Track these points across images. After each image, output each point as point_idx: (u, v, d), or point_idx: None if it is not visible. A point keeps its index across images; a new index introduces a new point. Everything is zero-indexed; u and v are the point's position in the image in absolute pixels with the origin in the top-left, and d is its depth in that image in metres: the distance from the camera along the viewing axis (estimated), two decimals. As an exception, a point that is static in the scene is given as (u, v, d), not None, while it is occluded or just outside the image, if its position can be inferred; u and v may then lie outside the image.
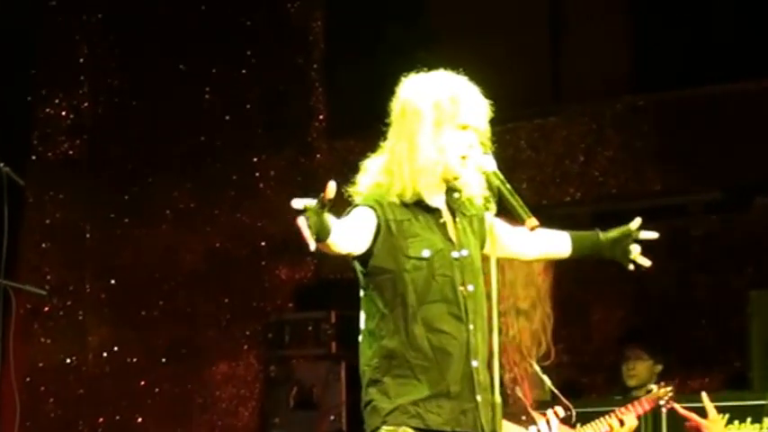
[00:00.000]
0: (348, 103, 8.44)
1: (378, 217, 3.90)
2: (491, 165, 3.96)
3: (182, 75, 8.49)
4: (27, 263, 8.08)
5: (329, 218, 3.61)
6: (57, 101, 8.34)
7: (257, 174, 8.65)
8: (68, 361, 8.23)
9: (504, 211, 3.98)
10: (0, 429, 7.07)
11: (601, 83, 8.11)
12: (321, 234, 3.58)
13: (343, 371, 7.87)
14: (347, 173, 4.07)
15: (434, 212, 4.00)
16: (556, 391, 4.93)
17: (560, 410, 4.87)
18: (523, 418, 4.80)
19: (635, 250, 4.28)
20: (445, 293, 3.91)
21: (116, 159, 8.47)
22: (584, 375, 7.87)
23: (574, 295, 7.54)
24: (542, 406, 4.94)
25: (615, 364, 7.28)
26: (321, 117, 8.84)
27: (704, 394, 5.14)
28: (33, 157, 8.25)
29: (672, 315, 7.83)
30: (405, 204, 3.94)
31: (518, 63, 8.10)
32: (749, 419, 6.05)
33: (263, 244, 8.57)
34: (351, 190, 4.01)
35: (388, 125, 4.04)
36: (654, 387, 5.55)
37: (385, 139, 4.04)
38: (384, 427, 3.90)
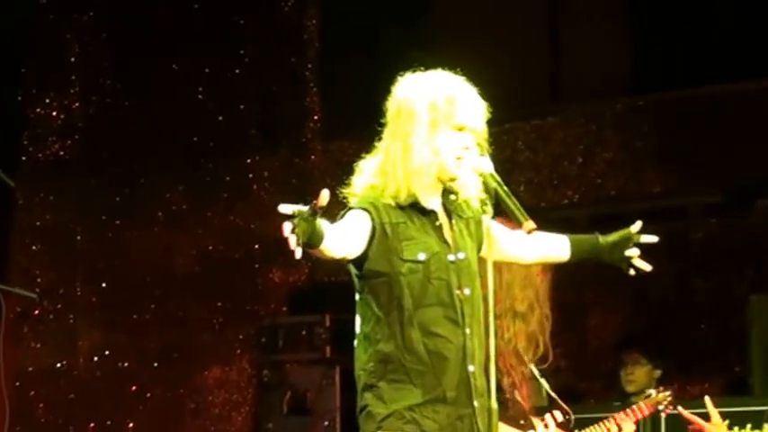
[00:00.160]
0: (343, 104, 8.45)
1: (372, 220, 3.88)
2: (488, 166, 3.94)
3: (175, 74, 8.47)
4: (17, 265, 8.06)
5: (322, 223, 3.59)
6: (47, 100, 8.31)
7: (251, 175, 8.66)
8: (59, 365, 8.20)
9: (502, 214, 3.97)
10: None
11: (600, 83, 8.15)
12: (313, 240, 3.56)
13: (338, 375, 7.85)
14: (342, 174, 4.06)
15: (430, 215, 3.98)
16: (554, 395, 4.92)
17: (558, 415, 4.87)
18: (522, 422, 4.79)
19: (635, 254, 4.26)
20: (441, 297, 3.89)
21: (108, 160, 8.44)
22: (582, 381, 7.86)
23: (571, 299, 7.51)
24: (540, 412, 4.93)
25: (613, 370, 7.28)
26: (316, 117, 8.88)
27: (707, 398, 5.13)
28: (23, 158, 8.22)
29: (671, 319, 7.84)
30: (400, 206, 3.93)
31: (516, 62, 8.11)
32: (749, 425, 6.07)
33: (256, 246, 8.56)
34: (345, 191, 4.00)
35: (383, 126, 4.02)
36: (652, 392, 5.54)
37: (380, 139, 4.03)
38: (379, 433, 3.86)
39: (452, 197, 4.01)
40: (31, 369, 8.09)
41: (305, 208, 3.51)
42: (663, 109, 7.89)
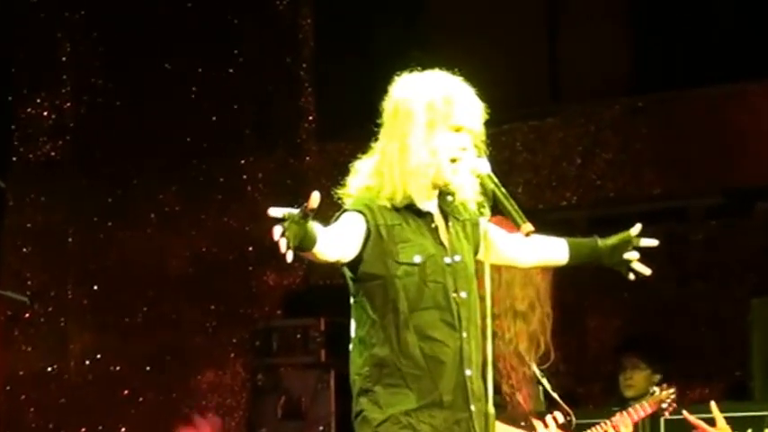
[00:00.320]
0: (338, 104, 8.45)
1: (367, 222, 3.86)
2: (485, 167, 3.92)
3: (167, 74, 8.49)
4: (7, 268, 8.07)
5: (314, 226, 3.58)
6: (38, 100, 8.32)
7: (245, 176, 8.65)
8: (50, 369, 8.21)
9: (499, 212, 3.97)
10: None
11: (599, 83, 8.13)
12: (306, 243, 3.55)
13: (333, 380, 7.83)
14: (337, 175, 4.04)
15: (426, 216, 3.96)
16: (555, 395, 4.89)
17: (559, 416, 4.85)
18: (523, 423, 4.77)
19: (634, 257, 4.25)
20: (437, 300, 3.87)
21: (99, 161, 8.44)
22: (581, 385, 7.85)
23: (569, 302, 7.48)
24: (538, 416, 4.89)
25: (612, 374, 7.24)
26: (311, 118, 8.85)
27: (713, 404, 5.09)
28: (14, 159, 8.24)
29: (671, 323, 7.81)
30: (395, 208, 3.91)
31: (514, 62, 8.11)
32: (750, 430, 6.01)
33: (250, 249, 8.55)
34: (340, 192, 3.98)
35: (379, 126, 4.00)
36: (656, 389, 5.55)
37: (376, 140, 4.01)
38: (375, 438, 3.86)
39: (449, 199, 3.98)
40: (21, 373, 8.10)
41: (295, 211, 3.50)
42: (663, 109, 7.89)
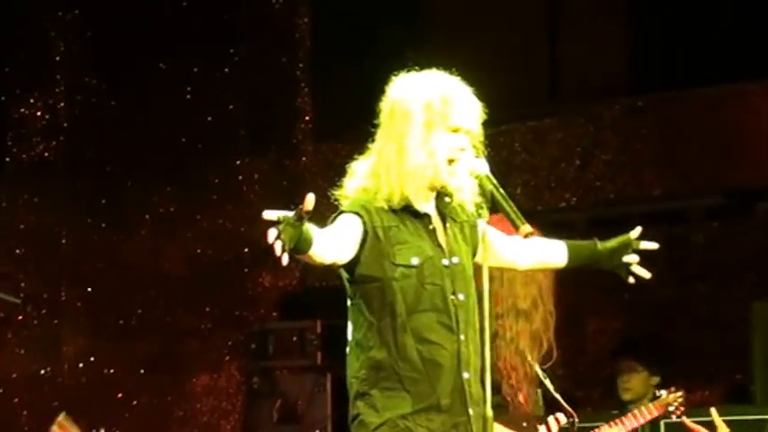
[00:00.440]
0: (335, 104, 8.44)
1: (364, 223, 3.85)
2: (484, 168, 3.90)
3: (162, 74, 8.49)
4: (0, 269, 8.05)
5: (310, 228, 3.56)
6: (32, 100, 8.31)
7: (240, 177, 8.63)
8: (43, 372, 8.19)
9: (497, 212, 3.95)
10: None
11: (599, 83, 8.16)
12: (301, 246, 3.54)
13: (329, 383, 7.82)
14: (334, 176, 4.02)
15: (423, 218, 3.95)
16: (558, 396, 4.87)
17: (562, 417, 4.83)
18: (524, 424, 4.75)
19: (634, 260, 4.24)
20: (435, 303, 3.86)
21: (93, 162, 8.43)
22: (580, 389, 7.83)
23: (569, 304, 7.42)
24: (539, 420, 4.88)
25: (611, 377, 7.23)
26: (307, 118, 8.87)
27: (713, 410, 5.15)
28: (7, 159, 8.23)
29: (670, 326, 7.80)
30: (392, 210, 3.90)
31: (512, 62, 8.13)
32: None
33: (246, 250, 8.54)
34: (337, 194, 3.97)
35: (376, 127, 3.98)
36: (663, 392, 5.58)
37: (373, 141, 3.99)
38: (372, 442, 3.85)
39: (447, 200, 3.97)
40: (14, 376, 8.07)
41: (290, 213, 3.48)
42: (662, 110, 7.91)
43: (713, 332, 7.67)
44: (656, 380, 6.94)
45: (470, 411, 3.84)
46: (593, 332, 8.04)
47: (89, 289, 8.33)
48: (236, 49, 8.62)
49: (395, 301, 3.81)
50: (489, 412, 3.74)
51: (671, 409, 5.48)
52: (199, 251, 8.53)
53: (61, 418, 5.99)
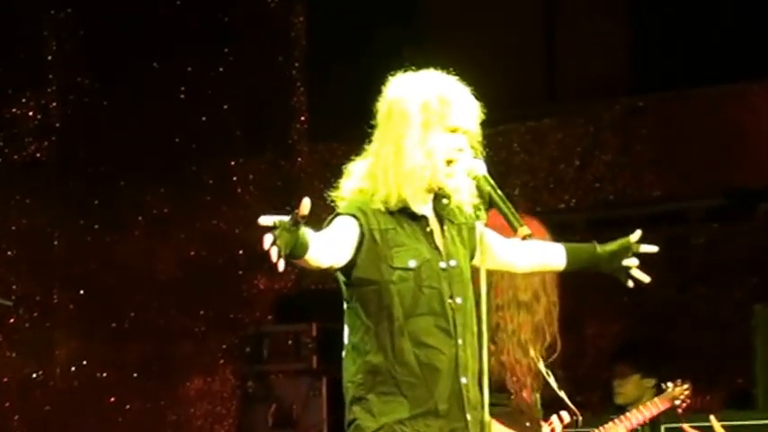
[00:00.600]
0: (331, 104, 8.45)
1: (361, 226, 3.83)
2: (481, 169, 3.89)
3: (155, 73, 8.46)
4: None
5: (306, 233, 3.55)
6: (23, 100, 8.26)
7: (235, 178, 8.63)
8: (35, 375, 8.14)
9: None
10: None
11: (598, 83, 8.16)
12: (297, 251, 3.53)
13: (325, 387, 7.82)
14: (330, 177, 4.02)
15: (420, 220, 3.92)
16: (562, 394, 4.84)
17: (566, 415, 4.81)
18: (527, 423, 4.71)
19: (633, 264, 4.22)
20: (433, 306, 3.84)
21: (86, 162, 8.40)
22: (579, 392, 7.72)
23: (567, 307, 7.39)
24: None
25: (610, 381, 7.22)
26: (303, 118, 8.86)
27: (712, 417, 5.22)
28: None
29: (671, 328, 7.79)
30: (389, 211, 3.87)
31: (511, 61, 8.15)
32: None
33: (240, 252, 8.52)
34: (333, 195, 3.95)
35: (373, 127, 3.96)
36: (669, 385, 5.55)
37: (370, 141, 3.97)
38: (369, 448, 3.85)
39: (444, 202, 3.94)
40: (5, 380, 8.03)
41: (286, 218, 3.46)
42: (663, 110, 7.92)
43: (714, 333, 7.67)
44: (651, 382, 6.93)
45: (468, 416, 3.82)
46: (593, 335, 8.04)
47: (82, 291, 8.29)
48: (230, 49, 8.61)
49: (392, 304, 3.79)
50: (487, 417, 3.72)
51: (677, 402, 5.46)
52: (193, 253, 8.52)
53: None
